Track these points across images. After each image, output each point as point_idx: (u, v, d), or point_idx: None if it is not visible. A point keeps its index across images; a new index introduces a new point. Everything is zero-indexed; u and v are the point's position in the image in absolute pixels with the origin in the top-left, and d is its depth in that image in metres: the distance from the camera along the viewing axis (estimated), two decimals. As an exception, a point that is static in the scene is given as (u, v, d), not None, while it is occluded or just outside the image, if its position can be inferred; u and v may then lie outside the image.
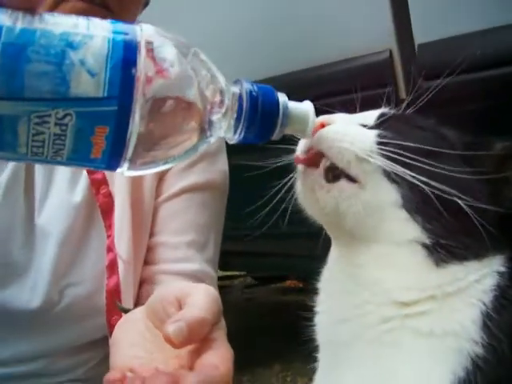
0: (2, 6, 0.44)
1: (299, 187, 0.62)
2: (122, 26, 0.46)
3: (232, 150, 0.80)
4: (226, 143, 0.96)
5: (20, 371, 0.92)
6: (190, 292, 0.59)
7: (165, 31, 0.48)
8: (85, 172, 0.93)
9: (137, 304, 0.97)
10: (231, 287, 2.15)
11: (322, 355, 0.64)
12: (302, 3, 1.34)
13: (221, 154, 1.06)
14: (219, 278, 1.13)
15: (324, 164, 0.59)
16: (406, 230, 0.55)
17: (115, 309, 0.90)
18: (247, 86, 0.51)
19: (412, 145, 0.55)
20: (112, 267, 0.92)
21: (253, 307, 1.95)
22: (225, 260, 1.12)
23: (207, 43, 1.49)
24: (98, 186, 0.93)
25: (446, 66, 1.18)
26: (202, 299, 0.57)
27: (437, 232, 0.54)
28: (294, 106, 0.52)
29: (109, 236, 0.93)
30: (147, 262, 1.00)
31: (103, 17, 0.88)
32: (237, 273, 2.35)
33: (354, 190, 0.57)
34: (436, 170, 0.53)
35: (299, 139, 0.61)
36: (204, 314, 0.54)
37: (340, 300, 0.60)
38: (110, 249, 0.93)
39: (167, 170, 0.99)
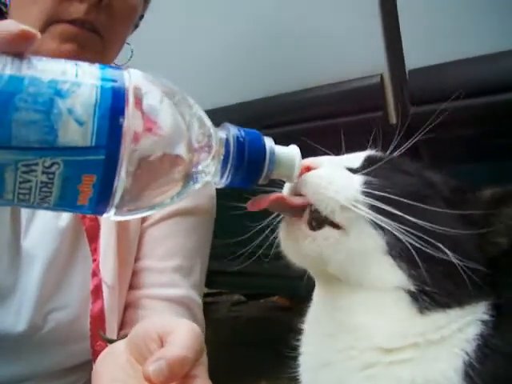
0: None
1: (283, 236, 0.62)
2: (110, 73, 0.46)
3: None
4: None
5: (4, 394, 0.92)
6: (173, 328, 0.59)
7: (152, 76, 0.48)
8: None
9: (121, 328, 0.97)
10: (218, 304, 2.14)
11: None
12: (293, 23, 1.34)
13: None
14: (205, 295, 1.13)
15: (307, 211, 0.58)
16: (391, 276, 0.55)
17: (99, 335, 0.89)
18: (234, 131, 0.51)
19: (396, 198, 0.55)
20: (97, 292, 0.92)
21: (240, 324, 1.94)
22: (211, 279, 1.11)
23: (193, 65, 1.50)
24: None
25: (436, 92, 1.20)
26: (184, 336, 0.57)
27: (421, 279, 0.54)
28: (280, 151, 0.53)
29: (94, 260, 0.93)
30: (132, 287, 1.00)
31: (93, 41, 0.90)
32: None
33: (338, 236, 0.57)
34: (420, 221, 0.53)
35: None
36: (185, 353, 0.54)
37: (323, 343, 0.60)
38: (95, 273, 0.92)
39: None
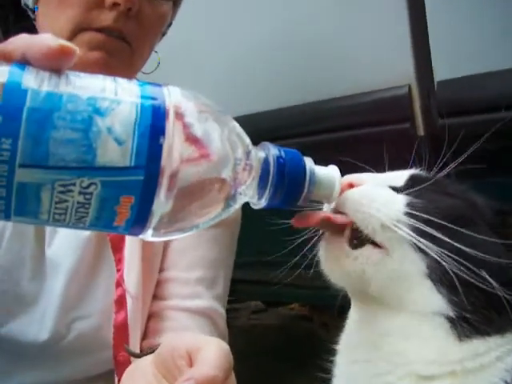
0: (27, 64, 0.42)
1: (323, 256, 0.60)
2: (150, 90, 0.45)
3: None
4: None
5: (25, 404, 0.91)
6: (202, 346, 0.58)
7: (190, 92, 0.47)
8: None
9: (144, 338, 0.96)
10: (238, 311, 2.13)
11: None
12: (320, 32, 1.33)
13: None
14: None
15: (348, 229, 0.57)
16: (431, 301, 0.54)
17: (122, 345, 0.89)
18: (274, 150, 0.50)
19: (439, 221, 0.53)
20: (120, 302, 0.92)
21: (259, 332, 1.94)
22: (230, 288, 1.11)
23: (218, 74, 1.49)
24: None
25: (466, 104, 1.18)
26: (213, 355, 0.56)
27: (461, 305, 0.52)
28: (320, 171, 0.51)
29: (118, 270, 0.92)
30: (156, 297, 0.99)
31: (121, 49, 0.89)
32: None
33: (380, 256, 0.56)
34: (463, 246, 0.51)
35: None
36: (215, 372, 0.53)
37: (359, 367, 0.58)
38: (119, 283, 0.92)
39: None
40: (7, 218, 0.42)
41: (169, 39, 1.09)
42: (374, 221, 0.55)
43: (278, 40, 1.38)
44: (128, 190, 0.42)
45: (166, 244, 0.99)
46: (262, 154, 0.49)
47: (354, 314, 0.63)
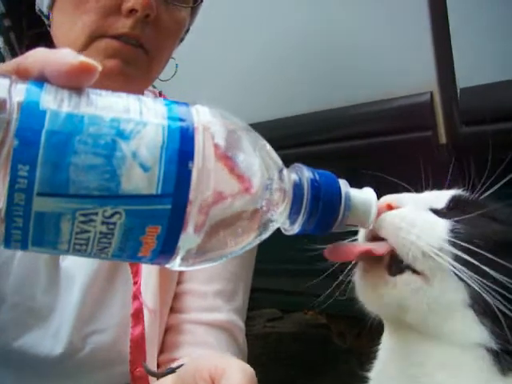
0: (45, 82, 0.39)
1: (360, 283, 0.57)
2: (177, 110, 0.41)
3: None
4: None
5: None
6: (226, 370, 0.57)
7: (219, 111, 0.44)
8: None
9: (161, 352, 0.94)
10: (253, 319, 2.10)
11: None
12: (340, 37, 1.30)
13: None
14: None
15: (387, 256, 0.54)
16: (472, 332, 0.50)
17: (139, 360, 0.87)
18: (308, 173, 0.46)
19: (484, 252, 0.50)
20: (137, 316, 0.90)
21: (275, 340, 1.91)
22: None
23: (234, 80, 1.47)
24: None
25: (489, 112, 1.14)
26: (237, 380, 0.54)
27: (505, 337, 0.49)
28: (356, 195, 0.48)
29: (135, 283, 0.90)
30: (174, 310, 0.97)
31: (138, 57, 0.86)
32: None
33: (420, 284, 0.52)
34: (507, 278, 0.48)
35: None
36: None
37: None
38: (136, 296, 0.90)
39: None
40: (24, 248, 0.39)
41: (186, 42, 1.07)
42: (414, 248, 0.51)
43: (297, 46, 1.36)
44: (154, 219, 0.39)
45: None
46: (294, 177, 0.46)
47: (387, 342, 0.60)
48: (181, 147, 0.39)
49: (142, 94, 1.05)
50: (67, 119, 0.37)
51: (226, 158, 0.41)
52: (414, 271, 0.53)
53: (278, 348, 1.92)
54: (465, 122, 1.17)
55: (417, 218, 0.53)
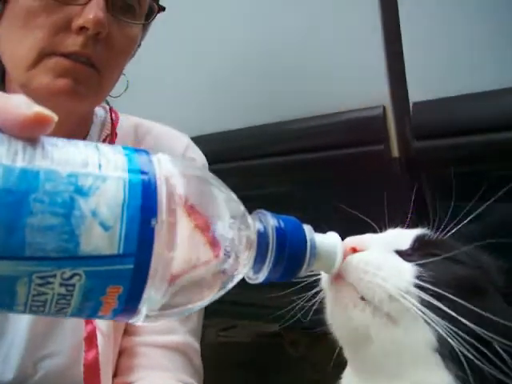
0: None
1: (329, 303, 0.56)
2: (137, 161, 0.39)
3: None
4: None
5: None
6: None
7: (179, 160, 0.42)
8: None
9: (115, 375, 0.93)
10: (206, 328, 2.08)
11: None
12: (293, 50, 1.30)
13: None
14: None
15: None
16: (436, 376, 0.50)
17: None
18: (273, 221, 0.45)
19: (451, 296, 0.50)
20: (90, 340, 0.87)
21: (228, 350, 1.90)
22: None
23: (184, 94, 1.45)
24: None
25: (441, 127, 1.16)
26: None
27: (469, 382, 0.49)
28: (321, 242, 0.47)
29: None
30: (127, 333, 0.95)
31: (89, 75, 0.84)
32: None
33: (387, 321, 0.52)
34: (473, 325, 0.48)
35: None
36: None
37: None
38: (89, 320, 0.87)
39: None
40: None
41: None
42: (381, 291, 0.51)
43: (247, 58, 1.35)
44: (116, 279, 0.37)
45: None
46: (259, 226, 0.45)
47: (348, 377, 0.59)
48: (143, 203, 0.37)
49: (93, 112, 1.02)
50: (22, 175, 0.35)
51: (191, 212, 0.39)
52: None
53: (231, 356, 1.91)
54: (416, 137, 1.18)
55: (383, 262, 0.53)
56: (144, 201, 0.37)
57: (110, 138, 1.01)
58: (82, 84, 0.85)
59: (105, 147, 0.40)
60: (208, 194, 0.41)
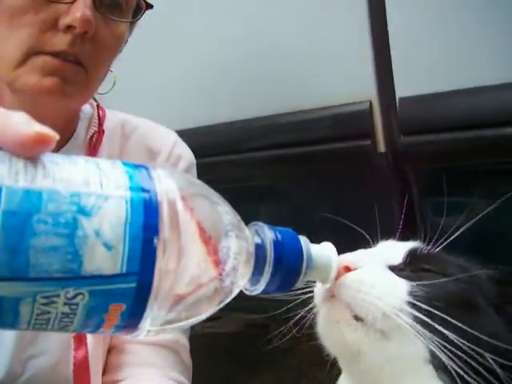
0: None
1: (322, 319, 0.57)
2: (138, 178, 0.39)
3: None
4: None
5: None
6: None
7: (179, 174, 0.42)
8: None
9: (105, 373, 0.93)
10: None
11: None
12: (280, 44, 1.29)
13: None
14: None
15: None
16: None
17: (83, 382, 0.86)
18: (270, 234, 0.46)
19: (443, 315, 0.51)
20: (80, 338, 0.88)
21: (214, 340, 1.91)
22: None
23: (168, 88, 1.44)
24: None
25: (427, 122, 1.16)
26: None
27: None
28: (316, 252, 0.48)
29: None
30: None
31: (76, 74, 0.83)
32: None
33: (379, 338, 0.52)
34: (466, 342, 0.49)
35: None
36: None
37: None
38: None
39: None
40: None
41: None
42: (374, 309, 0.52)
43: (233, 52, 1.34)
44: (118, 297, 0.37)
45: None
46: (257, 239, 0.45)
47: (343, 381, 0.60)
48: (145, 222, 0.37)
49: (80, 109, 1.01)
50: (25, 197, 0.34)
51: (193, 228, 0.39)
52: None
53: (217, 347, 1.92)
54: (403, 132, 1.19)
55: (376, 280, 0.54)
56: (146, 219, 0.37)
57: (97, 136, 1.01)
58: (70, 83, 0.85)
59: (105, 163, 0.40)
60: (208, 209, 0.42)
